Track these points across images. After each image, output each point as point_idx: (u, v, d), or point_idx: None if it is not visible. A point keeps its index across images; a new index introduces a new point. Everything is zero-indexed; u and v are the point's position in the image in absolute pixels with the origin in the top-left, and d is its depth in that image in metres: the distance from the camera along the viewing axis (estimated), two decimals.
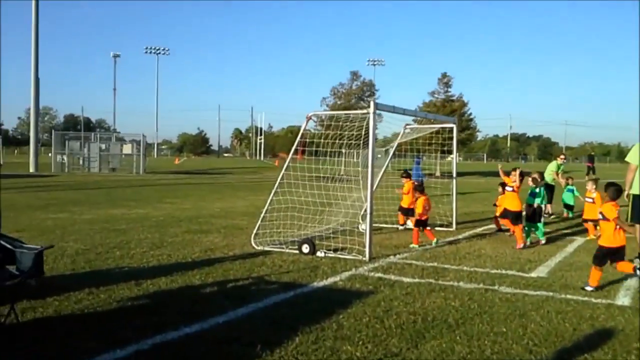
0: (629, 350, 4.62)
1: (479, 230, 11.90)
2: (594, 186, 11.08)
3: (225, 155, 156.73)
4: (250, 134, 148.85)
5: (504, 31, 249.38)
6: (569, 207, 14.67)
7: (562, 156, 15.94)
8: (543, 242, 10.17)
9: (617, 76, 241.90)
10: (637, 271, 7.23)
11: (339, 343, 4.70)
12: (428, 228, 9.95)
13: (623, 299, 6.38)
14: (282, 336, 4.80)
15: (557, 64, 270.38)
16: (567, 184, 14.63)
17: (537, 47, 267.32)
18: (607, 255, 6.78)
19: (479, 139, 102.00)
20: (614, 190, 6.94)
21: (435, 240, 9.76)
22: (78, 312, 5.48)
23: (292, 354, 4.43)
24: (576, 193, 14.40)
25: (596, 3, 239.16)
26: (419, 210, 9.85)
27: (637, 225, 8.49)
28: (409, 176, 11.75)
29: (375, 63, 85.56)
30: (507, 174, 10.41)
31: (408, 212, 11.24)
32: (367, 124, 8.67)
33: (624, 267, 6.88)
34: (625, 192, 8.42)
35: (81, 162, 39.55)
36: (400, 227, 11.73)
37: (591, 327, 5.31)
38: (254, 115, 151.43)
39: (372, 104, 8.41)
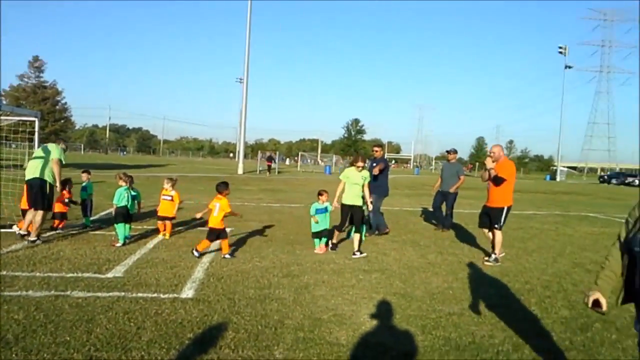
0: (183, 342, 5.15)
1: (61, 230, 11.29)
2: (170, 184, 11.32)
3: None
4: None
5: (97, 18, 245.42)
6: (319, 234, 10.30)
7: (359, 163, 10.33)
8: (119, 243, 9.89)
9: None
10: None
11: None
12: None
13: (188, 291, 6.98)
14: None
15: (149, 59, 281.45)
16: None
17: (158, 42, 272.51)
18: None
19: (77, 128, 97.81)
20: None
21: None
22: None
23: None
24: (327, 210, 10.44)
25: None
26: None
27: None
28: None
29: None
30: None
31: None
32: None
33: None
34: None
35: None
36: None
37: (155, 323, 5.67)
38: None
39: None
